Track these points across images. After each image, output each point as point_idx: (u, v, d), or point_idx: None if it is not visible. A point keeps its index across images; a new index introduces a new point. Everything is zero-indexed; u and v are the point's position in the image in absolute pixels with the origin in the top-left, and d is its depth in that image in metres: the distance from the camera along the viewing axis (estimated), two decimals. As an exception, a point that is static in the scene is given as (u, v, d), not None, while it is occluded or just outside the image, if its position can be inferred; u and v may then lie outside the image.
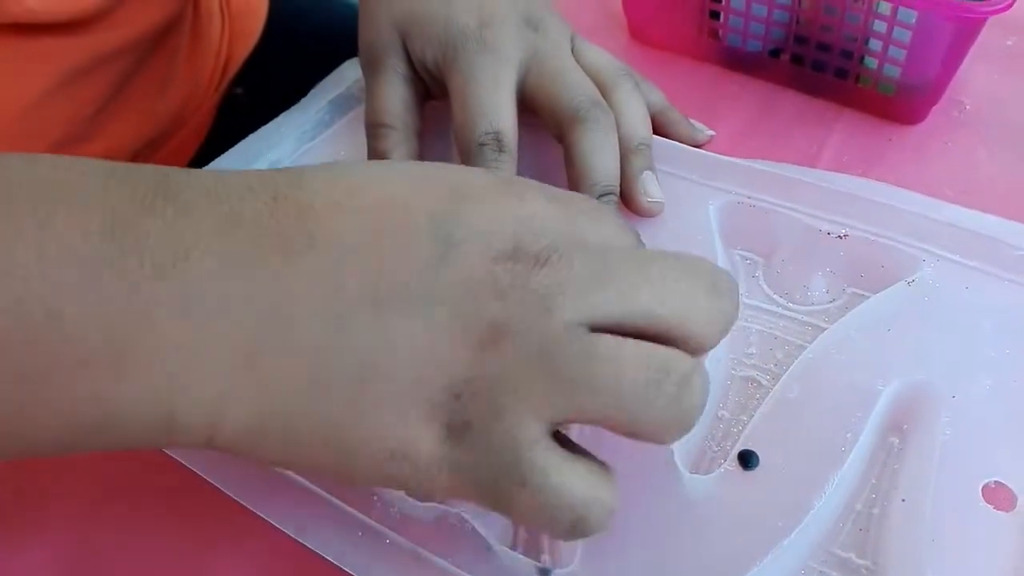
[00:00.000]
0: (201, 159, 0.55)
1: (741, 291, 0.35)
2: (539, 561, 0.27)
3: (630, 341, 0.21)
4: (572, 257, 0.22)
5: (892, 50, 0.40)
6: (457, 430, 0.21)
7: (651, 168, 0.36)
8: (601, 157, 0.34)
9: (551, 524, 0.22)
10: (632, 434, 0.22)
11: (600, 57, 0.38)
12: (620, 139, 0.36)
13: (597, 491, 0.22)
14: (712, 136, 0.42)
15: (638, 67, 0.42)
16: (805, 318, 0.34)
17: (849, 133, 0.42)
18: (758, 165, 0.37)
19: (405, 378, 0.21)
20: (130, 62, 0.46)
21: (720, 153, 0.39)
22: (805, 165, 0.40)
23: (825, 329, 0.32)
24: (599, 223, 0.24)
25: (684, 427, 0.22)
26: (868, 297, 0.33)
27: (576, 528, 0.22)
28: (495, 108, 0.34)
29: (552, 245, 0.22)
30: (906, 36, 0.39)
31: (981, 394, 0.29)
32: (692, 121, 0.42)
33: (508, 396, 0.21)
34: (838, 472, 0.27)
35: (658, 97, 0.42)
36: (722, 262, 0.34)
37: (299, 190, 0.23)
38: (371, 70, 0.38)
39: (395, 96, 0.37)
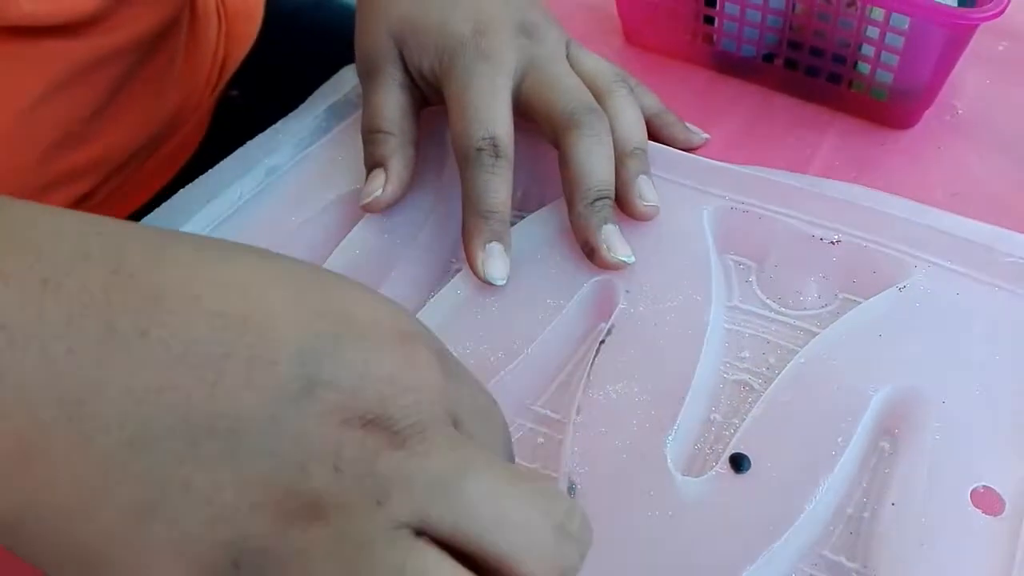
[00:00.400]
0: (197, 161, 0.55)
1: (735, 296, 0.35)
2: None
3: (448, 565, 0.18)
4: (431, 449, 0.19)
5: (885, 55, 0.40)
6: None
7: (647, 172, 0.36)
8: (596, 163, 0.34)
9: None
10: None
11: (596, 63, 0.39)
12: (616, 144, 0.36)
13: None
14: (707, 139, 0.43)
15: (633, 71, 0.42)
16: (797, 323, 0.34)
17: (842, 137, 0.42)
18: (752, 171, 0.37)
19: (188, 527, 0.18)
20: (127, 65, 0.46)
21: (714, 157, 0.39)
22: (798, 169, 0.41)
23: (817, 334, 0.32)
24: (483, 421, 0.22)
25: None
26: (860, 302, 0.33)
27: None
28: (492, 114, 0.35)
29: (418, 426, 0.19)
30: (899, 42, 0.39)
31: (970, 400, 0.29)
32: (687, 124, 0.43)
33: None
34: (829, 476, 0.28)
35: (653, 101, 0.42)
36: (715, 267, 0.35)
37: (153, 270, 0.19)
38: (368, 78, 0.38)
39: (392, 103, 0.37)
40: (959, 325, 0.31)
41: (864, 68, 0.41)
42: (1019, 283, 0.32)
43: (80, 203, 0.48)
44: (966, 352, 0.30)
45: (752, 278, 0.36)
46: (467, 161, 0.34)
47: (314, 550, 0.18)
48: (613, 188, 0.35)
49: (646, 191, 0.36)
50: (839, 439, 0.29)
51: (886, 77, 0.41)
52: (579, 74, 0.38)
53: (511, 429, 0.32)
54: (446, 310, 0.34)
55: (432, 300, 0.34)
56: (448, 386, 0.21)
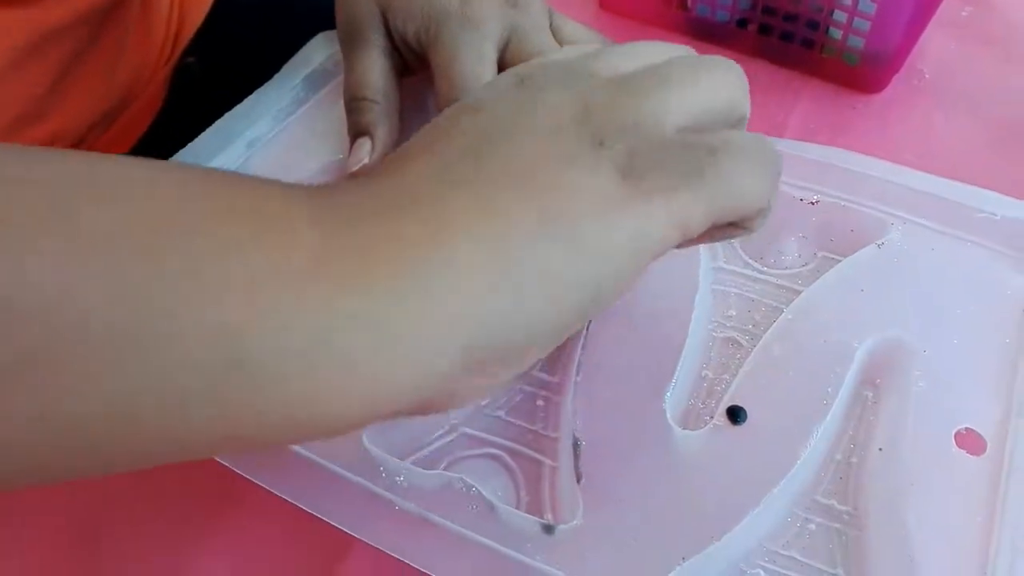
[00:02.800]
0: (156, 130, 0.54)
1: (720, 256, 0.36)
2: (542, 519, 0.28)
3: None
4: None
5: (856, 21, 0.41)
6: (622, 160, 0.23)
7: None
8: None
9: (759, 178, 0.24)
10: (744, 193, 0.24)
11: (579, 32, 0.39)
12: None
13: None
14: None
15: (607, 37, 0.42)
16: (780, 281, 0.35)
17: (815, 101, 0.44)
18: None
19: (547, 122, 0.23)
20: (82, 37, 0.45)
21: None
22: (773, 132, 0.42)
23: (798, 291, 0.34)
24: None
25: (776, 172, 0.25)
26: (839, 260, 0.34)
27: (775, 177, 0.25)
28: (479, 84, 0.35)
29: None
30: (870, 8, 0.40)
31: (949, 347, 0.30)
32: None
33: (658, 85, 0.24)
34: (821, 425, 0.29)
35: None
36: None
37: None
38: (351, 44, 0.38)
39: (376, 69, 0.37)
40: (936, 278, 0.32)
41: (836, 34, 0.42)
42: (989, 237, 0.33)
43: None
44: (944, 304, 0.32)
45: (734, 239, 0.37)
46: None
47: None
48: None
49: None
50: (828, 389, 0.30)
51: (858, 42, 0.42)
52: (562, 43, 0.38)
53: (509, 394, 0.33)
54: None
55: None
56: None
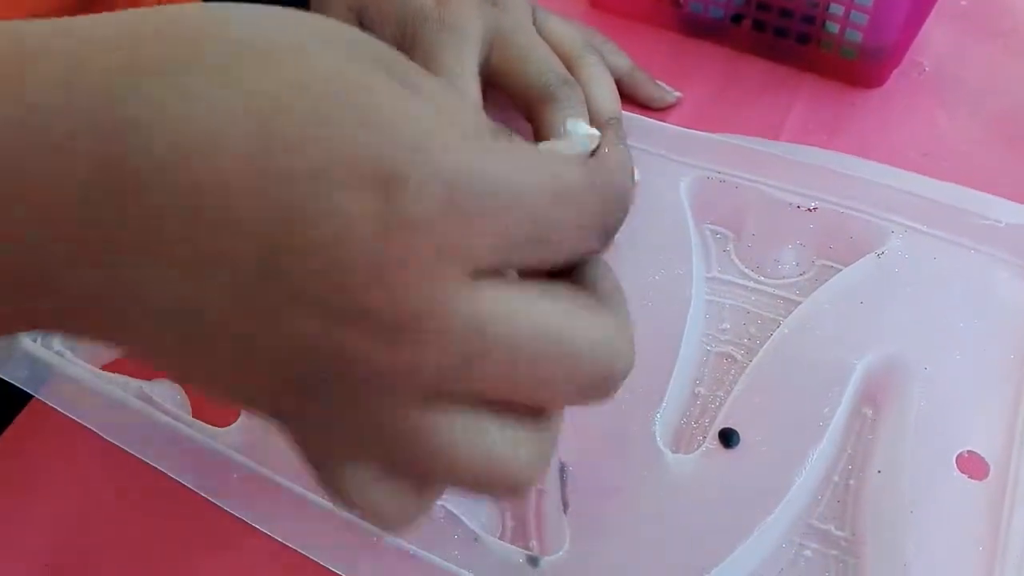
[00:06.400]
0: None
1: (714, 266, 0.35)
2: (527, 549, 0.28)
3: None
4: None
5: (854, 14, 0.40)
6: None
7: (623, 142, 0.36)
8: None
9: None
10: None
11: (563, 28, 0.38)
12: (590, 115, 0.35)
13: None
14: (679, 97, 0.42)
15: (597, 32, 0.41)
16: (777, 291, 0.34)
17: (813, 98, 0.42)
18: (727, 140, 0.37)
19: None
20: None
21: (685, 122, 0.39)
22: (770, 131, 0.40)
23: (797, 302, 0.33)
24: None
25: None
26: (838, 269, 0.33)
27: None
28: (461, 86, 0.34)
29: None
30: (868, 0, 0.39)
31: (952, 365, 0.29)
32: (659, 82, 0.42)
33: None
34: (817, 447, 0.28)
35: (624, 61, 0.42)
36: (694, 237, 0.34)
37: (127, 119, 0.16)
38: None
39: None
40: (938, 290, 0.31)
41: (833, 28, 0.41)
42: (993, 245, 0.32)
43: None
44: (946, 317, 0.30)
45: (730, 247, 0.36)
46: None
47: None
48: None
49: (623, 162, 0.35)
50: (825, 409, 0.29)
51: (855, 36, 0.40)
52: (547, 40, 0.37)
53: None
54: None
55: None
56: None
